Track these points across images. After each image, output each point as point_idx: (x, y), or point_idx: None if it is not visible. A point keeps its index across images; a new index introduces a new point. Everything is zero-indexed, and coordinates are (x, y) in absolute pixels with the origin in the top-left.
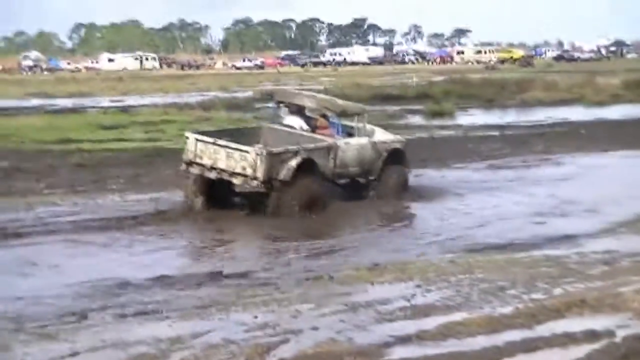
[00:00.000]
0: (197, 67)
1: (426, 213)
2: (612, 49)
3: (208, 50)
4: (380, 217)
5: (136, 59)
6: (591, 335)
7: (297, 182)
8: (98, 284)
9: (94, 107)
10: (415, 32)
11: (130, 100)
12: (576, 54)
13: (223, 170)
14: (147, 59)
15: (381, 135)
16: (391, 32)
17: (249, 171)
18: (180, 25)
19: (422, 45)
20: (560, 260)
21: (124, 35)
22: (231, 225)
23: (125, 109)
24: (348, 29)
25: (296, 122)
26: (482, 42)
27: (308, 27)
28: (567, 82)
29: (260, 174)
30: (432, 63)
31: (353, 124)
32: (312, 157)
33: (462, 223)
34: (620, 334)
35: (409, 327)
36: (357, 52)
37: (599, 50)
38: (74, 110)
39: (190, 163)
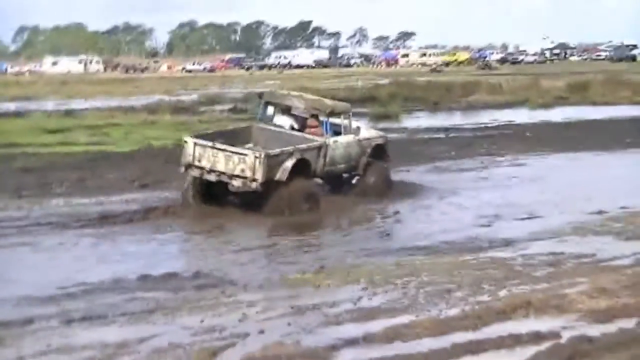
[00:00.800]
0: (142, 71)
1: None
2: (556, 51)
3: (153, 54)
4: (350, 217)
5: (80, 62)
6: (537, 337)
7: (292, 182)
8: (47, 287)
9: (38, 110)
10: (361, 35)
11: (75, 104)
12: (520, 57)
13: (222, 173)
14: (91, 62)
15: (365, 132)
16: (336, 35)
17: (248, 173)
18: (125, 28)
19: (367, 48)
20: (506, 262)
21: (68, 39)
22: (213, 223)
23: (70, 113)
24: (293, 31)
25: (286, 121)
26: (427, 45)
27: (253, 30)
28: (512, 85)
29: (259, 175)
30: (378, 66)
31: (338, 121)
32: (306, 157)
33: (409, 225)
34: (566, 335)
35: (356, 329)
36: (303, 55)
37: (542, 53)
38: (18, 114)
39: (189, 166)
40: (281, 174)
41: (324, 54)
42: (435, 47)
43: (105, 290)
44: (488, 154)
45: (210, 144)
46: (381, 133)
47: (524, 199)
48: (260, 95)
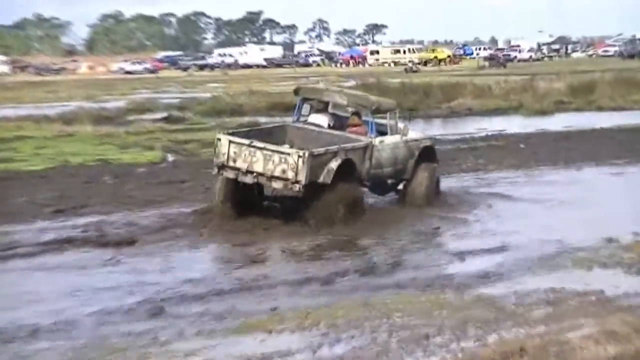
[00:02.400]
0: (57, 72)
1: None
2: (555, 47)
3: (70, 51)
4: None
5: None
6: None
7: (337, 185)
8: None
9: None
10: (321, 28)
11: None
12: (512, 54)
13: (260, 174)
14: None
15: (412, 133)
16: (292, 28)
17: (289, 174)
18: (36, 22)
19: (329, 44)
20: (496, 300)
21: None
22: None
23: None
24: (240, 24)
25: (323, 120)
26: (401, 40)
27: (191, 23)
28: (503, 87)
29: (302, 177)
30: (342, 65)
31: (385, 121)
32: (351, 158)
33: (379, 255)
34: None
35: None
36: (251, 53)
37: (539, 49)
38: None
39: (222, 166)
40: (326, 176)
41: (277, 51)
42: (410, 42)
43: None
44: (473, 170)
45: (247, 141)
46: (428, 134)
47: (516, 224)
48: (297, 91)
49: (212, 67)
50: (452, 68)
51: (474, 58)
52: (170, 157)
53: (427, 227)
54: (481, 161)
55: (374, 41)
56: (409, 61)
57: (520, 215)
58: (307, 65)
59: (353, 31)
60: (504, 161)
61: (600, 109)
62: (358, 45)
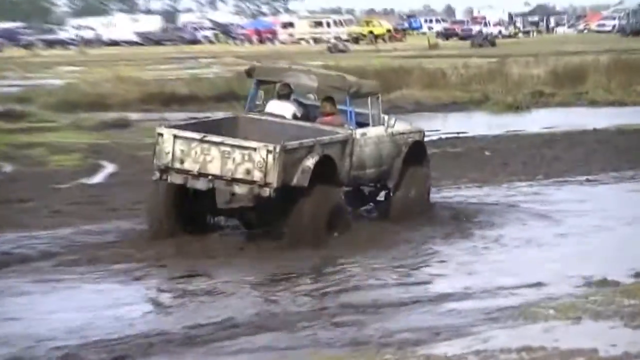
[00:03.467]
0: None
1: None
2: (534, 19)
3: None
4: None
5: None
6: None
7: (314, 190)
8: None
9: None
10: None
11: None
12: (475, 28)
13: (217, 177)
14: None
15: (397, 123)
16: None
17: (256, 175)
18: None
19: (225, 14)
20: None
21: None
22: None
23: None
24: None
25: (286, 109)
26: (323, 8)
27: None
28: (463, 73)
29: (272, 178)
30: (243, 42)
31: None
32: (330, 154)
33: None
34: None
35: None
36: (120, 25)
37: (512, 22)
38: None
39: (166, 169)
40: (300, 178)
41: (154, 23)
42: (337, 12)
43: None
44: None
45: (199, 136)
46: (416, 126)
47: (478, 260)
48: (250, 71)
49: (65, 43)
50: (394, 47)
51: (424, 33)
52: (7, 167)
53: (406, 254)
54: (432, 174)
55: (287, 10)
56: (335, 37)
57: (480, 248)
58: (195, 42)
59: None
60: (463, 175)
61: (593, 103)
62: (265, 15)
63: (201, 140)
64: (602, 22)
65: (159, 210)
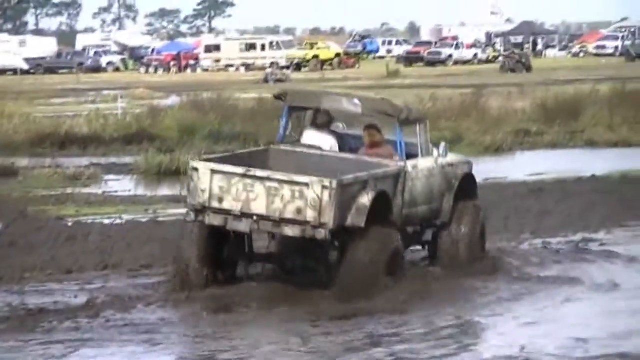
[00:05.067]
0: None
1: None
2: (517, 39)
3: None
4: None
5: None
6: None
7: (371, 231)
8: None
9: None
10: (124, 8)
11: None
12: (447, 52)
13: (262, 217)
14: None
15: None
16: (72, 6)
17: (309, 215)
18: None
19: (135, 35)
20: None
21: None
22: None
23: None
24: None
25: (326, 140)
26: (257, 27)
27: None
28: (430, 107)
29: (328, 217)
30: (157, 70)
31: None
32: (385, 190)
33: None
34: None
35: None
36: (3, 49)
37: (490, 44)
38: None
39: (202, 210)
40: (356, 217)
41: (47, 46)
42: (273, 31)
43: None
44: None
45: (241, 170)
46: (463, 157)
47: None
48: (282, 96)
49: None
50: (345, 75)
51: (382, 58)
52: None
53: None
54: None
55: (211, 30)
56: (271, 64)
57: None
58: (98, 69)
59: (177, 12)
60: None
61: (591, 144)
62: (185, 36)
63: (244, 175)
64: (602, 43)
65: (190, 256)
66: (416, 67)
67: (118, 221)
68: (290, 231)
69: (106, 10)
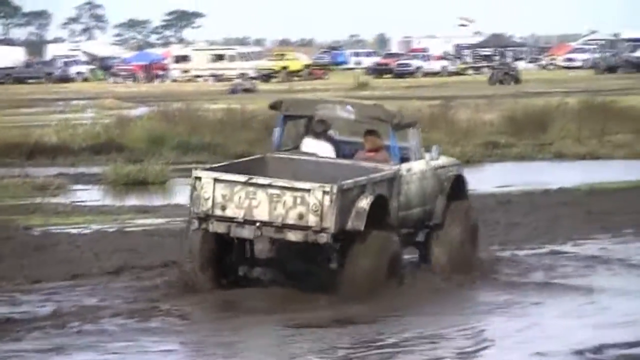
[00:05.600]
0: None
1: None
2: (486, 52)
3: None
4: None
5: None
6: None
7: (370, 234)
8: None
9: None
10: (92, 18)
11: None
12: (414, 63)
13: (266, 224)
14: None
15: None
16: (41, 15)
17: (311, 220)
18: None
19: (104, 45)
20: None
21: None
22: None
23: None
24: None
25: (324, 147)
26: (226, 38)
27: None
28: None
29: (329, 222)
30: (126, 79)
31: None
32: (383, 194)
33: None
34: None
35: None
36: None
37: (459, 56)
38: None
39: (206, 218)
40: (355, 221)
41: (15, 56)
42: (243, 42)
43: None
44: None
45: (243, 178)
46: (453, 159)
47: None
48: (277, 105)
49: None
50: (313, 86)
51: (351, 69)
52: None
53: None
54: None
55: (181, 40)
56: (240, 74)
57: None
58: (66, 79)
59: (145, 23)
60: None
61: (559, 156)
62: (153, 46)
63: (246, 183)
64: (571, 55)
65: (194, 263)
66: (385, 79)
67: (86, 231)
68: (293, 236)
69: (75, 20)
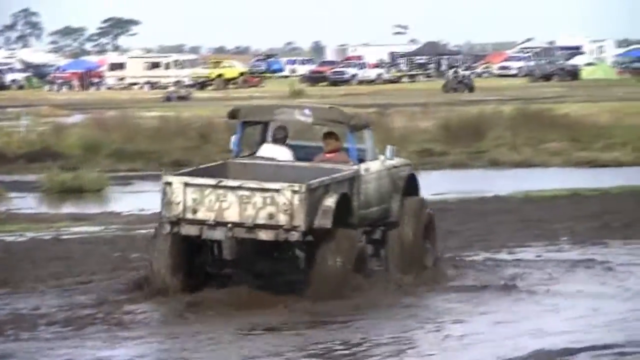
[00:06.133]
0: None
1: None
2: (421, 59)
3: None
4: None
5: None
6: None
7: (337, 232)
8: None
9: None
10: (28, 25)
11: None
12: (349, 71)
13: (237, 225)
14: None
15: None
16: None
17: (282, 219)
18: None
19: (39, 53)
20: None
21: None
22: None
23: None
24: None
25: (282, 152)
26: (161, 46)
27: None
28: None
29: (299, 220)
30: (62, 87)
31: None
32: (347, 192)
33: None
34: None
35: None
36: None
37: (394, 64)
38: None
39: (177, 222)
40: (322, 219)
41: None
42: (178, 49)
43: None
44: None
45: (213, 181)
46: (404, 159)
47: None
48: (235, 113)
49: None
50: (249, 94)
51: (287, 77)
52: None
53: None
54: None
55: (116, 48)
56: (175, 82)
57: None
58: (1, 87)
59: (82, 30)
60: None
61: (494, 164)
62: (89, 53)
63: (216, 186)
64: (506, 63)
65: (163, 265)
66: (320, 87)
67: (21, 239)
68: (264, 235)
69: (11, 27)
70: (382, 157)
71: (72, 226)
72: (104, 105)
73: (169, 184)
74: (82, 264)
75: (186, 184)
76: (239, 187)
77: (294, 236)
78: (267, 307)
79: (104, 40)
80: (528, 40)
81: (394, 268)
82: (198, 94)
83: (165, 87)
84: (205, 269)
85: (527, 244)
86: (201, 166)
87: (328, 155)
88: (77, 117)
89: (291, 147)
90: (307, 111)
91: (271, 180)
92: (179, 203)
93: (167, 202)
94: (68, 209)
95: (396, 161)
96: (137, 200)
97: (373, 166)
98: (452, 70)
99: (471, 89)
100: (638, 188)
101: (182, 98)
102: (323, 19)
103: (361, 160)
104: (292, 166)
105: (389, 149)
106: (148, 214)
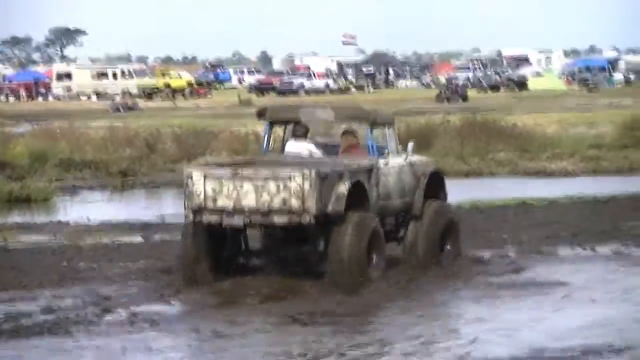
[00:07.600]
0: None
1: None
2: (369, 69)
3: None
4: None
5: None
6: None
7: (351, 217)
8: None
9: None
10: None
11: None
12: (297, 81)
13: (254, 211)
14: None
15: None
16: None
17: (293, 203)
18: None
19: None
20: None
21: None
22: None
23: None
24: None
25: (304, 147)
26: (108, 55)
27: None
28: (279, 136)
29: (311, 203)
30: (8, 97)
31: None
32: (361, 180)
33: None
34: None
35: None
36: None
37: (342, 75)
38: None
39: (199, 210)
40: (335, 204)
41: None
42: (126, 59)
43: None
44: None
45: (230, 172)
46: (427, 157)
47: None
48: (262, 112)
49: None
50: (197, 104)
51: (234, 87)
52: None
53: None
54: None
55: (63, 57)
56: (123, 92)
57: None
58: None
59: (28, 40)
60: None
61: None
62: (37, 63)
63: (234, 176)
64: (453, 74)
65: (191, 254)
66: (268, 97)
67: None
68: (278, 220)
69: None
70: (404, 154)
71: (19, 235)
72: (51, 115)
73: (190, 176)
74: (28, 274)
75: (206, 175)
76: (254, 176)
77: (306, 219)
78: (298, 297)
79: (50, 50)
80: (475, 51)
81: (414, 262)
82: (145, 103)
83: (112, 98)
84: (234, 260)
85: (475, 254)
86: (231, 160)
87: (347, 151)
88: (24, 127)
89: (316, 143)
90: (328, 110)
91: None
92: (200, 193)
93: (189, 193)
94: (15, 218)
95: (418, 157)
96: (85, 209)
97: (393, 161)
98: (446, 80)
99: (464, 98)
100: (586, 198)
101: (129, 108)
102: (270, 28)
103: (382, 156)
104: (315, 161)
105: (409, 145)
106: (95, 224)
